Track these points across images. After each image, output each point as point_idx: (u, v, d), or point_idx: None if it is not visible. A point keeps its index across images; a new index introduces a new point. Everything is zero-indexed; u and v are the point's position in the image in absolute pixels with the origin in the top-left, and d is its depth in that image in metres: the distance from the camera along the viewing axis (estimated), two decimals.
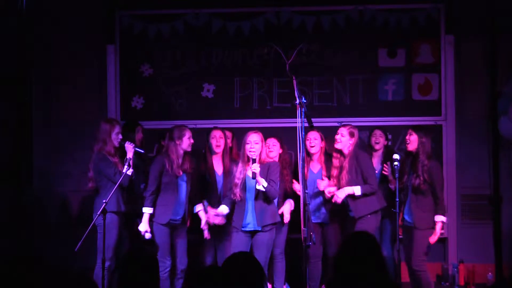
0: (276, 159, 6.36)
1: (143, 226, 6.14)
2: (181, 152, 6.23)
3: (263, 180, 5.78)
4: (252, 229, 5.93)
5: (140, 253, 3.67)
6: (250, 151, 5.85)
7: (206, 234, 6.40)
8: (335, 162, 6.31)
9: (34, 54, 7.38)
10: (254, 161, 5.78)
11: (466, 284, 7.18)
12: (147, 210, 6.15)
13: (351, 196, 6.13)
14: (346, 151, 6.23)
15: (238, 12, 7.62)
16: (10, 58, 6.74)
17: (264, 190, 5.79)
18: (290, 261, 6.57)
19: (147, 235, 6.16)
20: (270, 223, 5.93)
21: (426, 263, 6.12)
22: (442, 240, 7.44)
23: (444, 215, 6.11)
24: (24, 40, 6.26)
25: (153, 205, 6.19)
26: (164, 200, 6.18)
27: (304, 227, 5.36)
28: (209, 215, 6.30)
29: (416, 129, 6.22)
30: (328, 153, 6.52)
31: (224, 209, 6.05)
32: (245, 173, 5.89)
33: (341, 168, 6.22)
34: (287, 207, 6.41)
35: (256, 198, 5.90)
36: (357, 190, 6.10)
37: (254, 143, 5.87)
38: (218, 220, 6.26)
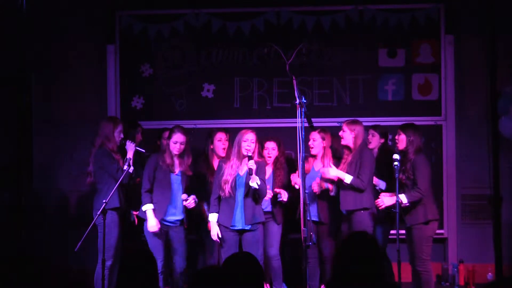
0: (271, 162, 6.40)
1: (152, 222, 5.98)
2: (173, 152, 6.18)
3: (257, 177, 5.79)
4: (240, 228, 5.93)
5: (139, 253, 3.67)
6: (246, 149, 5.85)
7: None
8: (344, 159, 6.31)
9: (34, 54, 7.39)
10: (250, 157, 5.80)
11: (466, 284, 7.18)
12: (148, 207, 6.05)
13: (340, 186, 6.13)
14: (352, 146, 6.22)
15: (238, 12, 7.61)
16: (10, 58, 6.74)
17: (257, 187, 5.79)
18: (290, 261, 6.56)
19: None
20: (259, 221, 5.95)
21: (429, 263, 6.04)
22: (442, 240, 7.44)
23: (406, 198, 5.95)
24: (24, 40, 6.27)
25: (152, 202, 6.06)
26: (157, 197, 6.10)
27: (304, 227, 5.35)
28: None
29: (405, 128, 6.18)
30: (337, 156, 6.48)
31: (213, 217, 5.98)
32: (237, 170, 5.89)
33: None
34: (283, 191, 6.36)
35: (246, 195, 5.89)
36: (347, 178, 6.05)
37: (250, 142, 5.87)
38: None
